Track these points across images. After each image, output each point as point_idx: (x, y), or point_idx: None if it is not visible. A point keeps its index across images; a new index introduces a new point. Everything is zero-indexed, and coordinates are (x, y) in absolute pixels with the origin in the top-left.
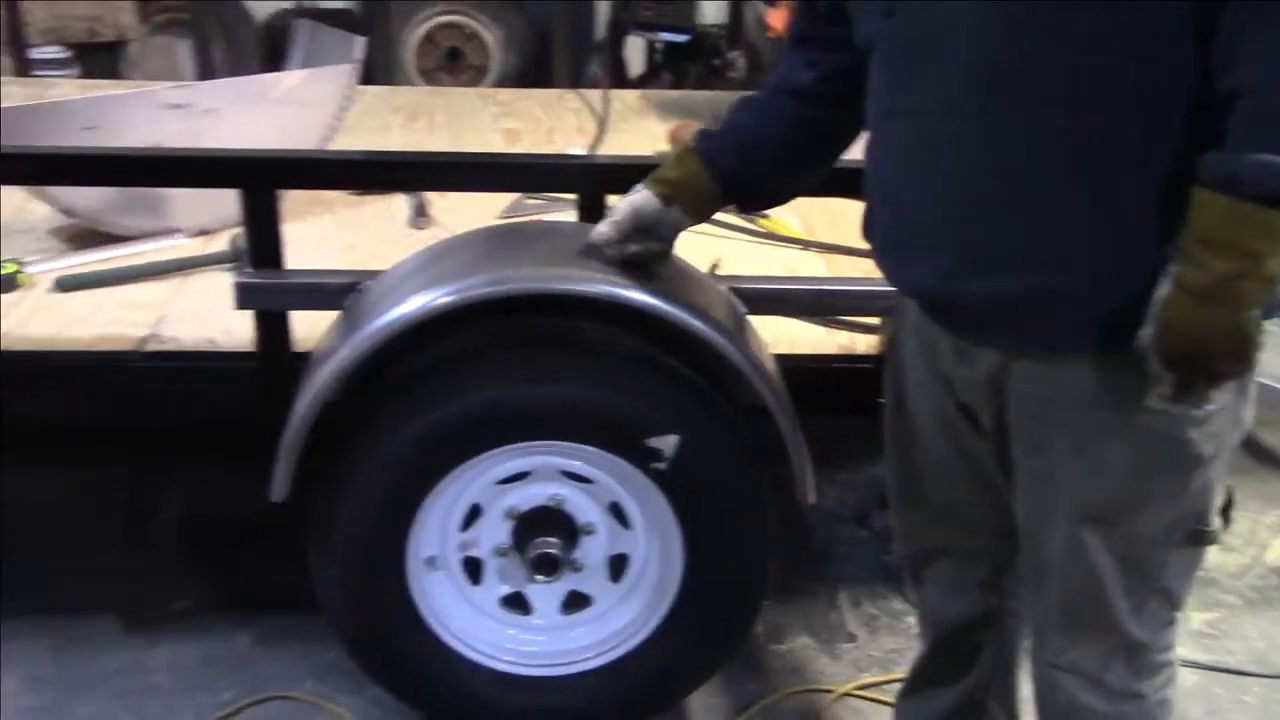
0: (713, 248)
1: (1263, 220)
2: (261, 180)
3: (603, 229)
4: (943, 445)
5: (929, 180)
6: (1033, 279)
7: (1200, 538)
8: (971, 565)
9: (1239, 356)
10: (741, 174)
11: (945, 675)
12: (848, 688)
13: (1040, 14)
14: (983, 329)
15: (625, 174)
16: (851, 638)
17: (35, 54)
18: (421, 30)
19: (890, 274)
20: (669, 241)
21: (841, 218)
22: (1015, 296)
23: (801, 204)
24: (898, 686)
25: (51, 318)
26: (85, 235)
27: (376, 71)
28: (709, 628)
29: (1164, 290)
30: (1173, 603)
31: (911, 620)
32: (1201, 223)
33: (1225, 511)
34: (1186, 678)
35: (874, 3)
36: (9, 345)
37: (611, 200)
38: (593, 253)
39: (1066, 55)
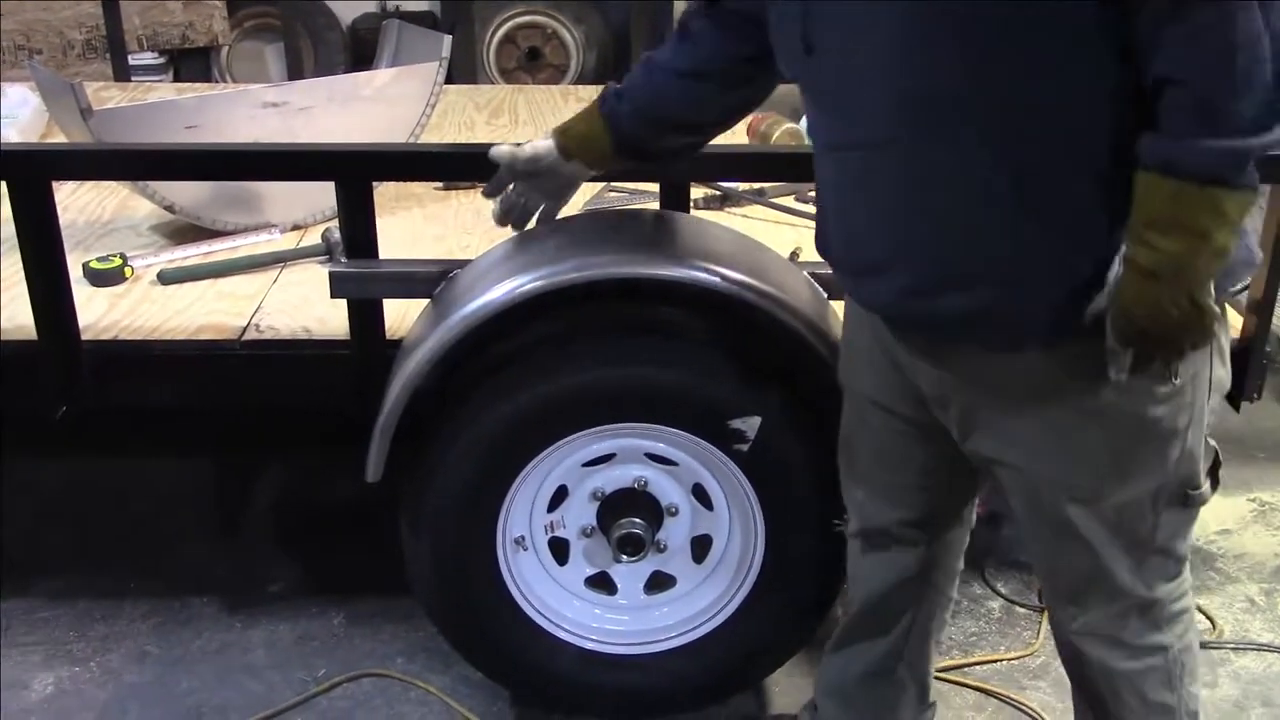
0: (794, 236)
1: (1208, 198)
2: (356, 173)
3: (503, 149)
4: (893, 434)
5: (873, 206)
6: (987, 293)
7: (1188, 500)
8: (910, 545)
9: (1196, 330)
10: (640, 138)
11: (865, 636)
12: None
13: (949, 39)
14: (941, 337)
15: (707, 163)
16: None
17: (132, 60)
18: (502, 30)
19: (848, 289)
20: (561, 194)
21: None
22: (972, 311)
23: None
24: (979, 670)
25: (155, 309)
26: (185, 231)
27: (457, 72)
28: (789, 608)
29: (1115, 271)
30: (1175, 557)
31: (994, 605)
32: (1147, 205)
33: (1214, 472)
34: (1273, 662)
35: (789, 41)
36: (116, 335)
37: (695, 192)
38: (498, 176)
39: (982, 75)
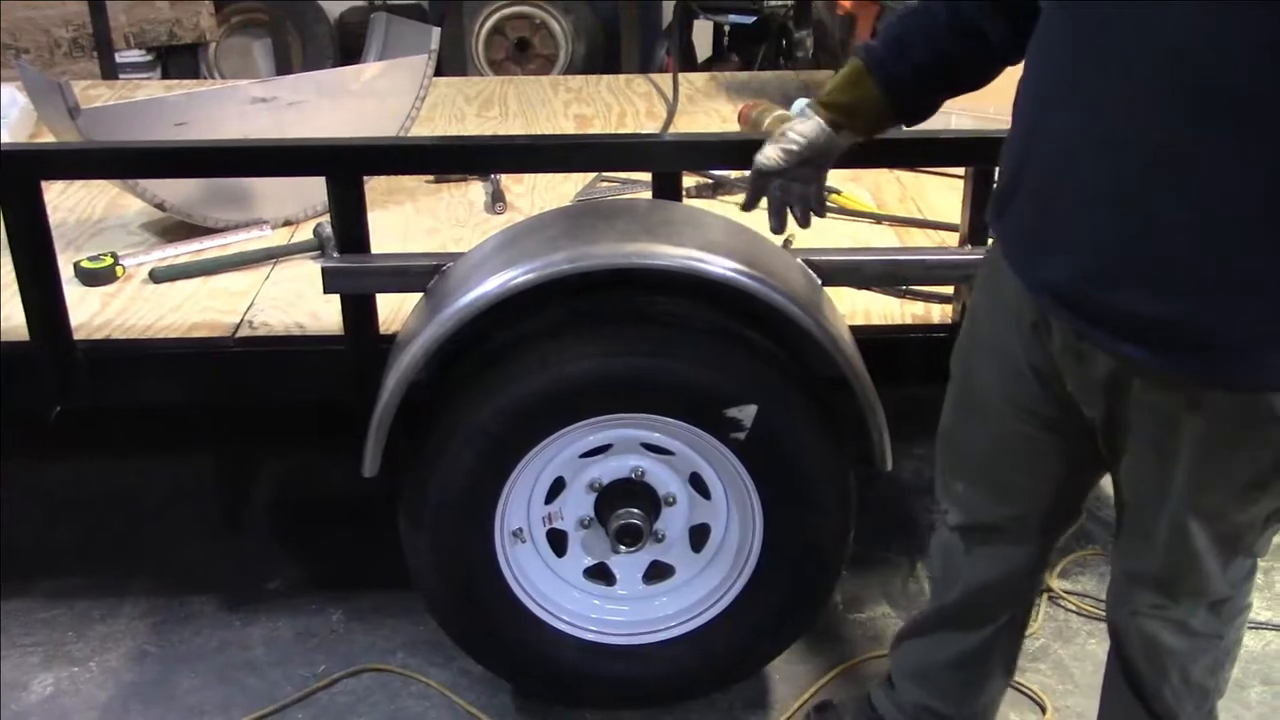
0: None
1: None
2: (347, 167)
3: (770, 153)
4: (1012, 426)
5: (1103, 183)
6: (1200, 305)
7: None
8: (1019, 542)
9: None
10: (923, 97)
11: (962, 626)
12: None
13: (1253, 29)
14: (1118, 339)
15: (697, 151)
16: None
17: (119, 58)
18: (490, 22)
19: (1021, 260)
20: (821, 173)
21: (914, 190)
22: (1173, 318)
23: (871, 178)
24: None
25: (148, 308)
26: (176, 228)
27: (445, 64)
28: (788, 597)
29: None
30: (1255, 558)
31: None
32: None
33: None
34: (1272, 640)
35: None
36: (109, 334)
37: (687, 180)
38: (758, 182)
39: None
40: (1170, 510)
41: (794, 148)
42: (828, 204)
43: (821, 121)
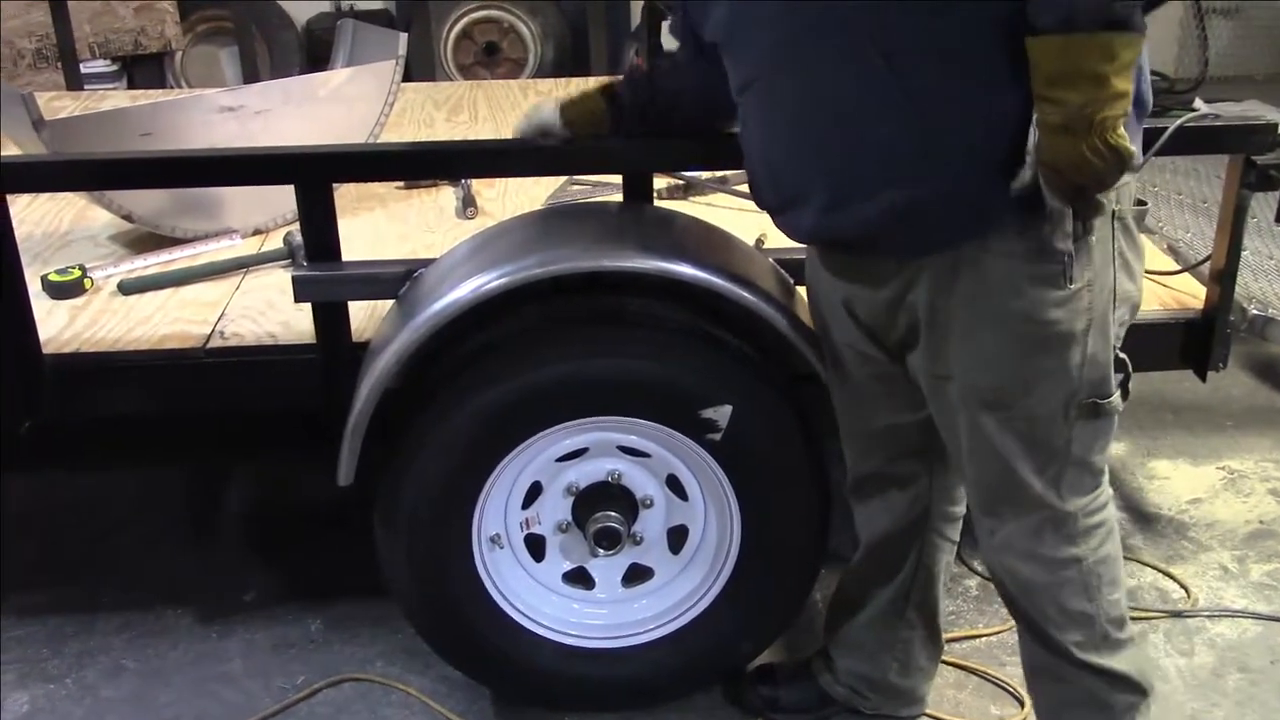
0: (758, 223)
1: (1097, 44)
2: (316, 175)
3: (524, 128)
4: (863, 376)
5: (783, 138)
6: (892, 197)
7: (1099, 410)
8: (905, 485)
9: (1120, 168)
10: (636, 126)
11: (872, 580)
12: None
13: None
14: (867, 248)
15: (667, 152)
16: None
17: (84, 68)
18: (458, 26)
19: (783, 227)
20: None
21: None
22: (880, 216)
23: None
24: (958, 647)
25: (117, 320)
26: (144, 240)
27: (414, 70)
28: (767, 595)
29: (1033, 139)
30: (1091, 470)
31: (971, 583)
32: (1044, 67)
33: (1124, 384)
34: (1248, 628)
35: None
36: (78, 348)
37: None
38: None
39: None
40: (961, 410)
41: (531, 131)
42: None
43: (559, 121)
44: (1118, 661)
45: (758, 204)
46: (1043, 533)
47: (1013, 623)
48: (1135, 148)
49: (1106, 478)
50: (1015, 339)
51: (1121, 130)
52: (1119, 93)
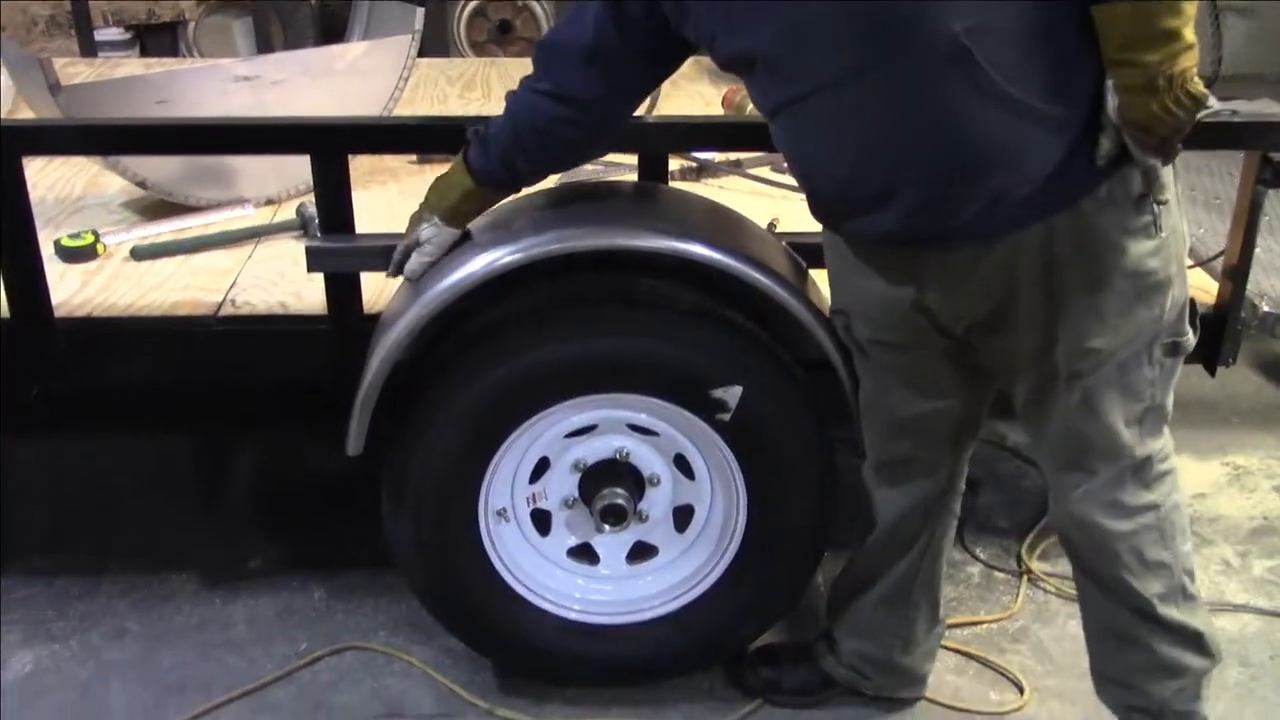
0: (772, 206)
1: (1166, 2)
2: (333, 146)
3: (415, 266)
4: (897, 366)
5: (855, 144)
6: (989, 186)
7: (1177, 349)
8: (931, 470)
9: (1197, 113)
10: (521, 186)
11: (886, 558)
12: None
13: None
14: (953, 238)
15: (683, 133)
16: None
17: (97, 36)
18: (472, 3)
19: (852, 231)
20: None
21: None
22: (977, 205)
23: None
24: (959, 633)
25: (129, 286)
26: (157, 207)
27: (427, 45)
28: (771, 577)
29: (1112, 103)
30: (1163, 412)
31: (973, 570)
32: (1117, 31)
33: (1193, 320)
34: (1249, 623)
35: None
36: (90, 312)
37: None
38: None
39: None
40: (1060, 373)
41: (431, 258)
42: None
43: (452, 230)
44: (1195, 619)
45: (815, 214)
46: (1124, 480)
47: (1013, 611)
48: (1205, 92)
49: (1168, 427)
50: (1117, 294)
51: (1196, 77)
52: (1190, 43)
